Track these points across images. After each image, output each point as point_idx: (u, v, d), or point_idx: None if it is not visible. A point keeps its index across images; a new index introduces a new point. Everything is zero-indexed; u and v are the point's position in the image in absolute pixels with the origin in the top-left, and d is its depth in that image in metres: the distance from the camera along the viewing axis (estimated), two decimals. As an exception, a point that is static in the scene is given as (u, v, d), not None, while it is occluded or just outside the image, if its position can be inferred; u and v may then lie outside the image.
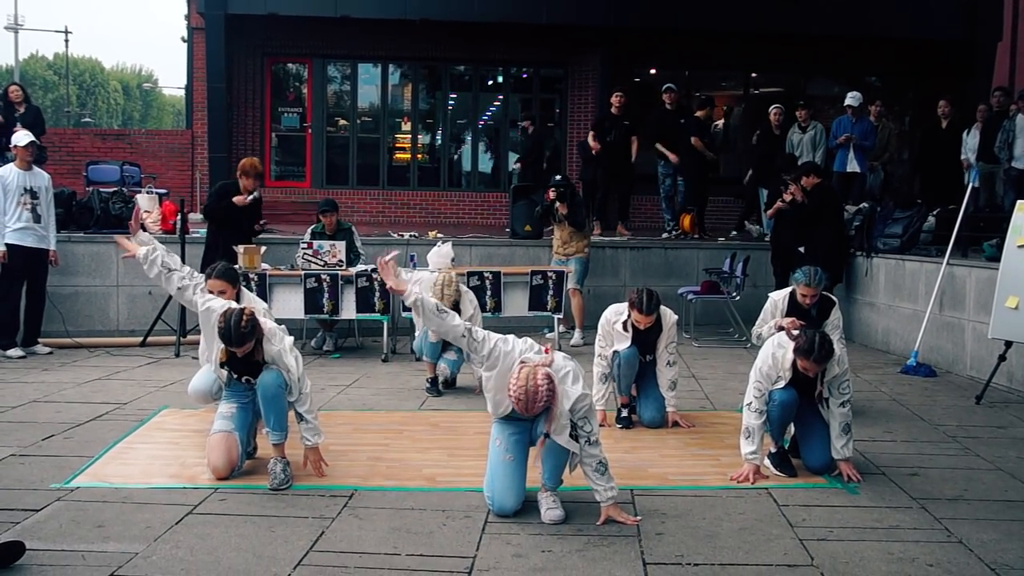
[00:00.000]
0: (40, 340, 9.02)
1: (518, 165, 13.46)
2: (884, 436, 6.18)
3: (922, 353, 8.63)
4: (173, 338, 9.11)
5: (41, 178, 8.83)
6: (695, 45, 15.42)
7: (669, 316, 6.30)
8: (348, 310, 8.92)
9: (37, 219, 8.74)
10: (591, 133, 12.40)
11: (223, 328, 4.87)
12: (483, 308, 8.76)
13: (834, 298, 6.77)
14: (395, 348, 9.27)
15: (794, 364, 5.08)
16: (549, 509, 4.46)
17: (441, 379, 7.39)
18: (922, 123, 14.93)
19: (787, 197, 9.79)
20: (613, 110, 12.30)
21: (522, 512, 4.53)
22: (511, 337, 4.53)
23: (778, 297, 6.56)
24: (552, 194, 9.85)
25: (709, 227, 12.91)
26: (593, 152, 12.31)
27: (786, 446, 5.38)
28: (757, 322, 6.56)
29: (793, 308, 6.36)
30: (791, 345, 5.12)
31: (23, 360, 8.61)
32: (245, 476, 5.08)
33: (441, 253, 8.80)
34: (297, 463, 5.08)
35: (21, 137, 8.75)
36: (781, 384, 5.15)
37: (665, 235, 12.40)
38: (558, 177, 10.36)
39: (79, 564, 3.87)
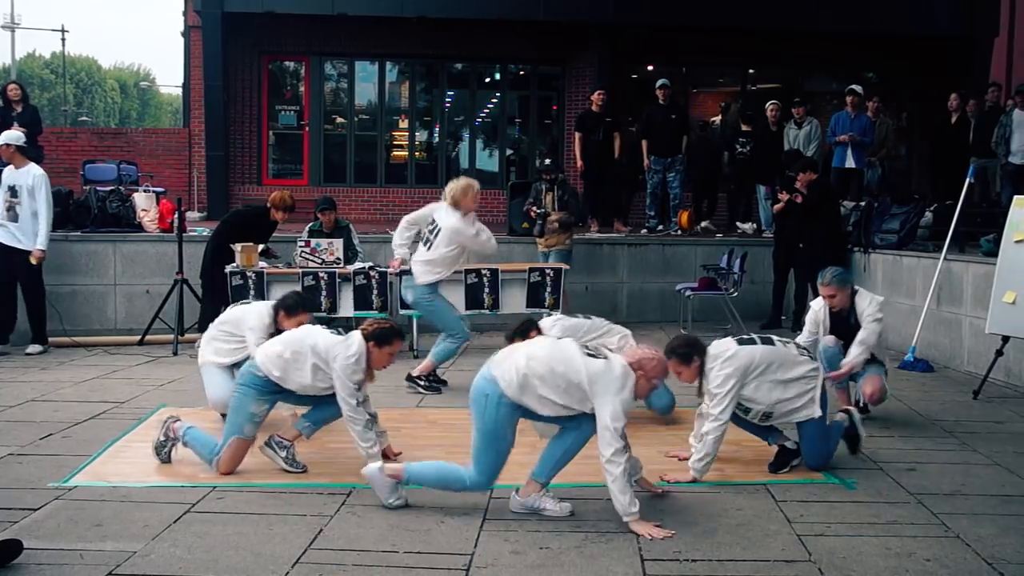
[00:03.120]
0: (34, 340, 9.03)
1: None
2: (881, 431, 6.19)
3: (919, 348, 8.64)
4: (171, 336, 9.10)
5: (26, 176, 8.77)
6: (692, 42, 15.40)
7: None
8: (346, 308, 8.92)
9: (14, 218, 8.72)
10: (577, 135, 12.39)
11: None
12: (481, 305, 8.78)
13: (858, 288, 6.50)
14: (393, 346, 9.27)
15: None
16: (559, 503, 4.47)
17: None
18: (921, 119, 14.95)
19: (783, 197, 9.82)
20: (594, 108, 12.28)
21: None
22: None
23: (817, 306, 6.46)
24: (534, 212, 9.88)
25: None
26: (579, 163, 12.35)
27: (771, 443, 5.35)
28: (802, 335, 6.43)
29: (833, 313, 6.31)
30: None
31: (21, 359, 8.61)
32: (243, 475, 5.08)
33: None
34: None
35: (1, 136, 8.79)
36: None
37: (645, 231, 12.41)
38: (548, 161, 10.33)
39: (77, 563, 3.87)
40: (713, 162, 13.32)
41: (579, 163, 12.27)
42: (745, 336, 5.25)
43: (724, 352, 5.05)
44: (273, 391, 5.10)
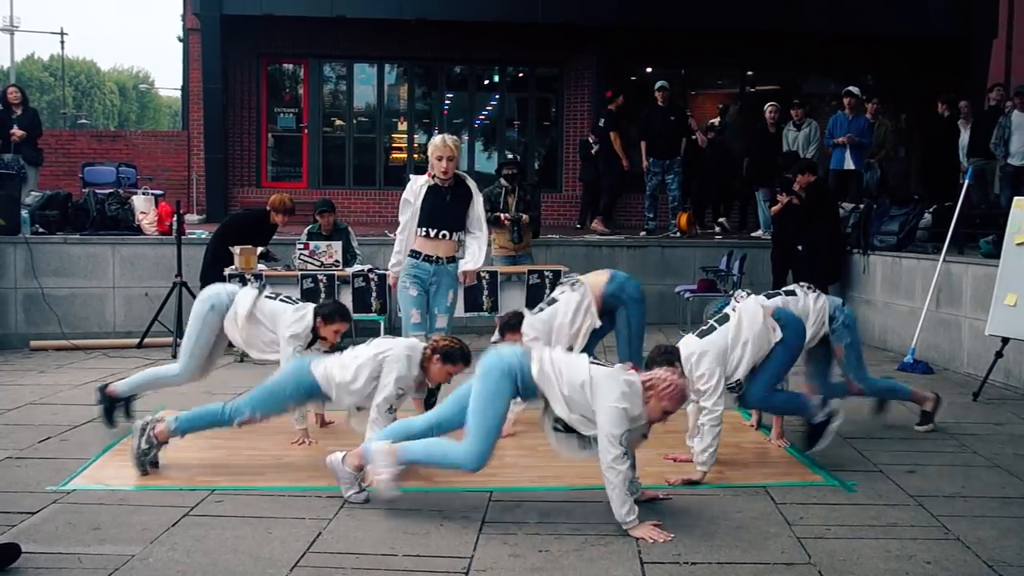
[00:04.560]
0: (33, 342, 9.03)
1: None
2: (881, 433, 6.18)
3: (919, 350, 8.63)
4: (170, 339, 9.10)
5: None
6: (691, 43, 15.42)
7: None
8: (345, 310, 8.90)
9: None
10: (614, 135, 12.45)
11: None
12: (480, 307, 8.78)
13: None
14: (392, 348, 9.25)
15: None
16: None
17: None
18: (919, 121, 14.95)
19: (782, 199, 9.81)
20: (614, 108, 12.35)
21: (519, 512, 4.54)
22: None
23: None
24: (506, 219, 9.72)
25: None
26: (625, 161, 12.41)
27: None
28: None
29: None
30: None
31: (20, 363, 8.61)
32: (241, 478, 5.08)
33: None
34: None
35: None
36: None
37: (643, 233, 12.43)
38: (510, 156, 10.31)
39: (75, 567, 3.86)
40: (732, 165, 13.32)
41: (624, 161, 12.35)
42: (704, 327, 5.31)
43: (695, 350, 5.10)
44: (318, 396, 5.17)
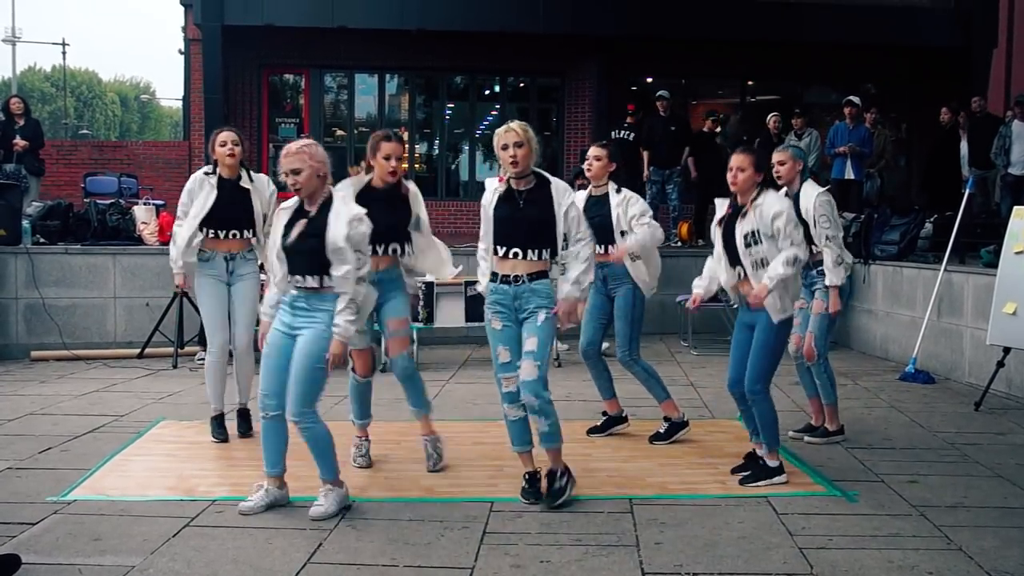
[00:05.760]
0: (34, 353, 9.02)
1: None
2: (883, 443, 6.17)
3: (920, 360, 8.62)
4: (171, 349, 9.10)
5: None
6: (692, 53, 15.46)
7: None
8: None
9: None
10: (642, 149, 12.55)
11: None
12: (479, 317, 8.77)
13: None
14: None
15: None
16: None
17: None
18: (920, 130, 14.98)
19: None
20: (633, 120, 12.47)
21: (520, 522, 4.53)
22: None
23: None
24: None
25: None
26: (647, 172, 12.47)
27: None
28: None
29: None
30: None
31: (21, 372, 8.60)
32: (242, 489, 5.06)
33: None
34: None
35: None
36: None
37: None
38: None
39: (75, 578, 3.85)
40: None
41: (647, 172, 12.44)
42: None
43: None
44: None
